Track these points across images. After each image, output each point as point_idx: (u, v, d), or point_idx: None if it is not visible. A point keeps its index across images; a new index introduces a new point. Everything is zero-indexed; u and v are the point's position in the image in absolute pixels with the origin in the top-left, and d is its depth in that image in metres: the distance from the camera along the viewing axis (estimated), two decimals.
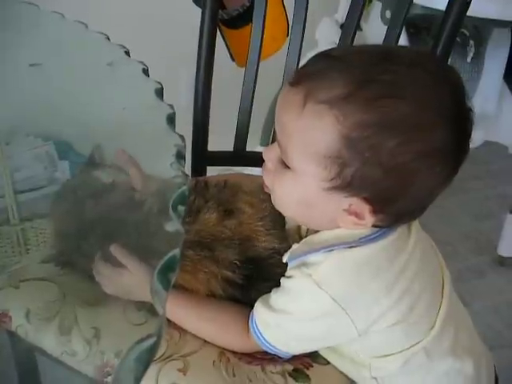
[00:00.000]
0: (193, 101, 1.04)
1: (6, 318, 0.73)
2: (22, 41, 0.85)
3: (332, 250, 0.63)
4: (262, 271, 0.71)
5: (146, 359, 0.33)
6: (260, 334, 0.67)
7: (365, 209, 0.60)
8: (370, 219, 0.61)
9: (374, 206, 0.60)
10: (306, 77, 0.59)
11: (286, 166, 0.62)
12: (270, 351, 0.69)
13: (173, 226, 0.39)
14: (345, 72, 0.57)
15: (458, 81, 0.60)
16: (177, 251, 0.37)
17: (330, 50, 0.63)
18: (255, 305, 0.68)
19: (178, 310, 0.70)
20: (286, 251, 0.68)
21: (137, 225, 0.71)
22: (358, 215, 0.61)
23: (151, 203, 0.70)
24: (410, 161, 0.57)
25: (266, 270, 0.71)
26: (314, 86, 0.58)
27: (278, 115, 0.62)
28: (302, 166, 0.60)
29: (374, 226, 0.62)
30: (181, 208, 0.41)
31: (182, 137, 0.52)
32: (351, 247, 0.63)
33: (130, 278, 0.67)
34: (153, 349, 0.34)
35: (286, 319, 0.65)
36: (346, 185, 0.59)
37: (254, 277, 0.70)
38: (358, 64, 0.58)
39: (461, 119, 0.59)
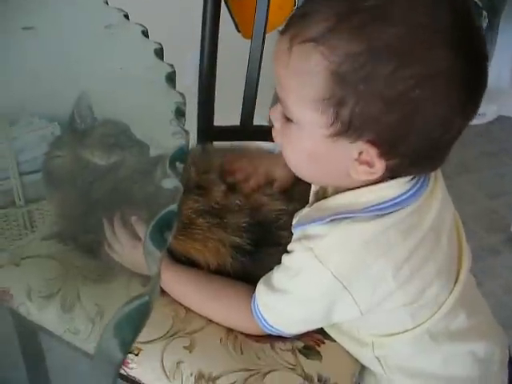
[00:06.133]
0: (198, 74, 1.01)
1: (7, 296, 0.71)
2: (16, 3, 0.83)
3: (338, 219, 0.59)
4: (270, 235, 0.70)
5: (137, 320, 0.30)
6: (262, 316, 0.65)
7: (373, 153, 0.55)
8: (379, 164, 0.56)
9: (381, 147, 0.54)
10: (292, 22, 0.56)
11: (290, 120, 0.59)
12: (272, 333, 0.67)
13: (171, 182, 0.36)
14: (326, 7, 0.54)
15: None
16: (174, 207, 0.34)
17: None
18: (257, 286, 0.66)
19: (180, 287, 0.69)
20: (294, 212, 0.65)
21: (144, 198, 0.70)
22: (368, 163, 0.56)
23: (159, 175, 0.68)
24: (411, 87, 0.52)
25: (273, 233, 0.70)
26: (298, 28, 0.55)
27: (274, 70, 0.58)
28: (301, 115, 0.57)
29: (390, 176, 0.58)
30: (179, 165, 0.38)
31: (182, 94, 0.49)
32: (359, 219, 0.58)
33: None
34: (144, 309, 0.31)
35: (286, 300, 0.63)
36: (346, 127, 0.54)
37: (261, 241, 0.70)
38: None
39: (466, 38, 0.54)
